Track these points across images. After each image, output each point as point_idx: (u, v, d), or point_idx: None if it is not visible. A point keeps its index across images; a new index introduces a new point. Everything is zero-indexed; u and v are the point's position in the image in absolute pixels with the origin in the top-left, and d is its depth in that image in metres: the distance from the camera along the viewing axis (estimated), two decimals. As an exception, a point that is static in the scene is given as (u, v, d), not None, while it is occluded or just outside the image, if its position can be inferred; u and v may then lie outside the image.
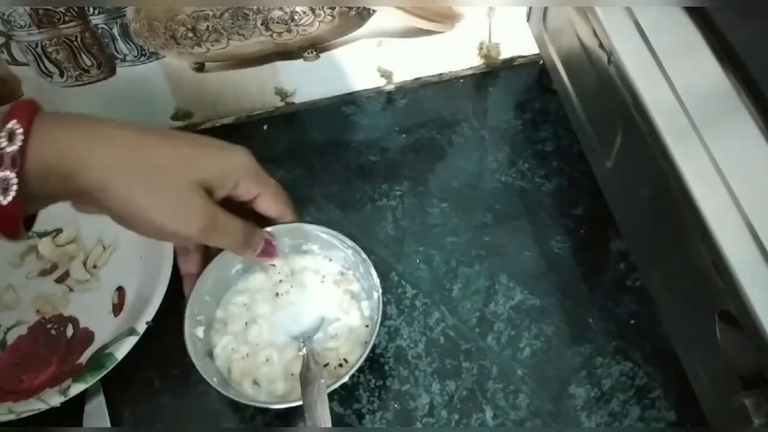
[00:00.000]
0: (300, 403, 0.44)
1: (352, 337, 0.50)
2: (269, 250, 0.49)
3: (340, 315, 0.50)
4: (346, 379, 0.45)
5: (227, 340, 0.50)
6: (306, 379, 0.45)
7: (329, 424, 0.42)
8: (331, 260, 0.53)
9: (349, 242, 0.50)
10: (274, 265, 0.52)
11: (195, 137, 0.44)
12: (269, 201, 0.47)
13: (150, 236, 0.43)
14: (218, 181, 0.43)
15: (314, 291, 0.52)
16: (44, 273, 0.60)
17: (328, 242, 0.51)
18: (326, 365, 0.48)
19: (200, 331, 0.49)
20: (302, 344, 0.49)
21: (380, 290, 0.49)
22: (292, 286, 0.52)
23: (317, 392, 0.44)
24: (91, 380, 0.50)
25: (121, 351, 0.51)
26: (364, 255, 0.50)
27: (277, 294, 0.51)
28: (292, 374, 0.48)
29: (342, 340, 0.49)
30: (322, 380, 0.45)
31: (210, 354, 0.49)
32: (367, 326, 0.50)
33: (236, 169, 0.44)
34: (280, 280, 0.52)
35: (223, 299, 0.52)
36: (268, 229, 0.49)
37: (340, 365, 0.48)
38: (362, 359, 0.46)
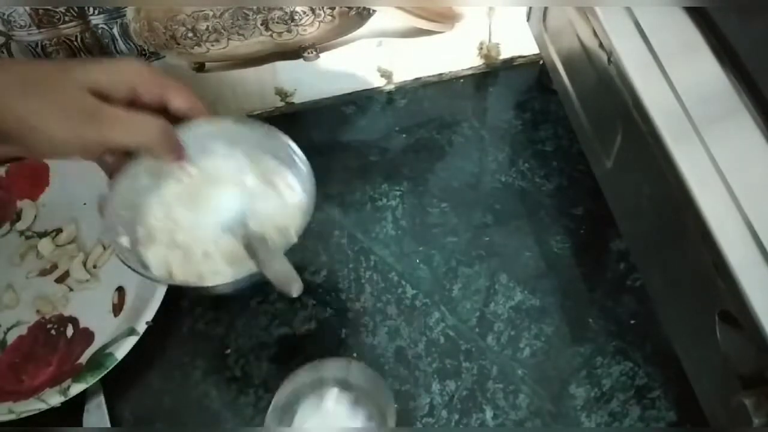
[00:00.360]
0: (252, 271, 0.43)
1: (287, 210, 0.48)
2: (181, 151, 0.46)
3: (268, 195, 0.49)
4: (295, 239, 0.44)
5: (157, 250, 0.47)
6: (252, 248, 0.44)
7: (294, 274, 0.42)
8: (242, 149, 0.50)
9: (258, 124, 0.49)
10: (185, 171, 0.48)
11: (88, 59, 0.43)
12: (177, 97, 0.44)
13: (54, 153, 0.41)
14: (110, 85, 0.41)
15: (234, 183, 0.49)
16: (44, 273, 0.60)
17: (235, 131, 0.49)
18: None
19: (125, 241, 0.47)
20: (237, 229, 0.47)
21: (307, 162, 0.47)
22: (208, 186, 0.49)
23: (269, 253, 0.43)
24: (91, 380, 0.50)
25: (121, 351, 0.51)
26: (280, 133, 0.48)
27: (194, 198, 0.48)
28: (236, 258, 0.46)
29: (278, 216, 0.48)
30: (269, 240, 0.44)
31: (144, 266, 0.47)
32: (300, 199, 0.48)
33: (127, 71, 0.42)
34: (194, 184, 0.49)
35: (139, 215, 0.48)
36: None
37: (283, 235, 0.47)
38: (306, 223, 0.45)
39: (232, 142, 0.50)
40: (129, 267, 0.44)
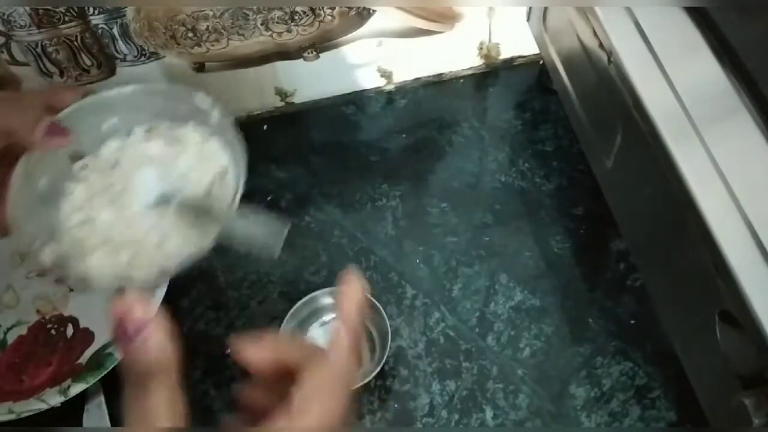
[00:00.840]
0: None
1: (209, 161, 0.44)
2: (57, 129, 0.41)
3: (180, 153, 0.44)
4: (243, 179, 0.40)
5: (99, 257, 0.42)
6: (202, 207, 0.41)
7: (268, 222, 0.39)
8: (138, 120, 0.44)
9: (160, 87, 0.44)
10: (86, 166, 0.43)
11: None
12: (60, 100, 0.41)
13: None
14: None
15: (141, 160, 0.44)
16: (44, 273, 0.60)
17: (130, 95, 0.44)
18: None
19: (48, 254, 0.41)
20: (171, 200, 0.42)
21: (209, 101, 0.43)
22: (115, 172, 0.44)
23: (223, 212, 0.40)
24: (91, 380, 0.50)
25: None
26: (167, 87, 0.43)
27: (109, 190, 0.43)
28: (191, 225, 0.42)
29: (201, 166, 0.43)
30: (212, 197, 0.40)
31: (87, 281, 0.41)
32: (215, 145, 0.44)
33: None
34: (99, 176, 0.44)
35: (57, 229, 0.42)
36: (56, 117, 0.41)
37: (222, 177, 0.43)
38: (243, 161, 0.41)
39: (128, 108, 0.44)
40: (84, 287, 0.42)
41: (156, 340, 0.29)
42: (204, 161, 0.44)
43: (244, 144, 0.42)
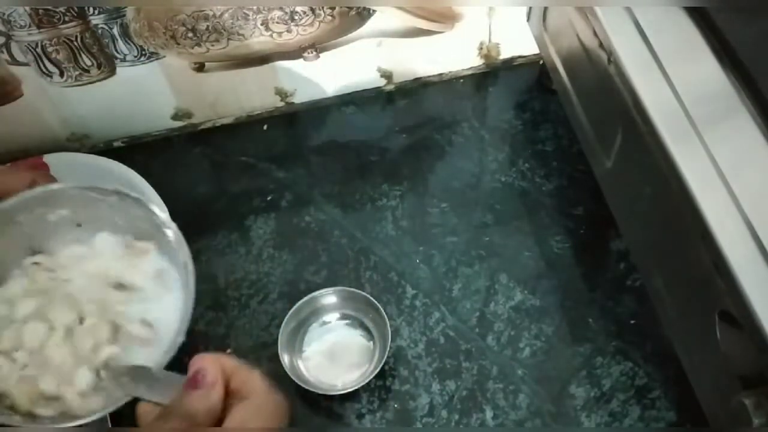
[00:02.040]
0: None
1: (158, 315, 0.38)
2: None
3: (135, 300, 0.38)
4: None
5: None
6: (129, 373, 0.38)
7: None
8: (91, 218, 0.38)
9: (110, 188, 0.37)
10: (38, 264, 0.38)
11: None
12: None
13: None
14: None
15: (93, 290, 0.38)
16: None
17: (81, 196, 0.38)
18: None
19: None
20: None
21: (174, 226, 0.37)
22: (61, 293, 0.38)
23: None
24: (91, 380, 0.50)
25: (121, 351, 0.51)
26: (134, 194, 0.37)
27: (43, 307, 0.38)
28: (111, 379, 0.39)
29: (142, 299, 0.38)
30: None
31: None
32: (165, 296, 0.38)
33: None
34: (48, 279, 0.38)
35: None
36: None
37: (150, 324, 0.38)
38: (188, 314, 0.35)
39: (71, 209, 0.38)
40: None
41: (218, 396, 0.31)
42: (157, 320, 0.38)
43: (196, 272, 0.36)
